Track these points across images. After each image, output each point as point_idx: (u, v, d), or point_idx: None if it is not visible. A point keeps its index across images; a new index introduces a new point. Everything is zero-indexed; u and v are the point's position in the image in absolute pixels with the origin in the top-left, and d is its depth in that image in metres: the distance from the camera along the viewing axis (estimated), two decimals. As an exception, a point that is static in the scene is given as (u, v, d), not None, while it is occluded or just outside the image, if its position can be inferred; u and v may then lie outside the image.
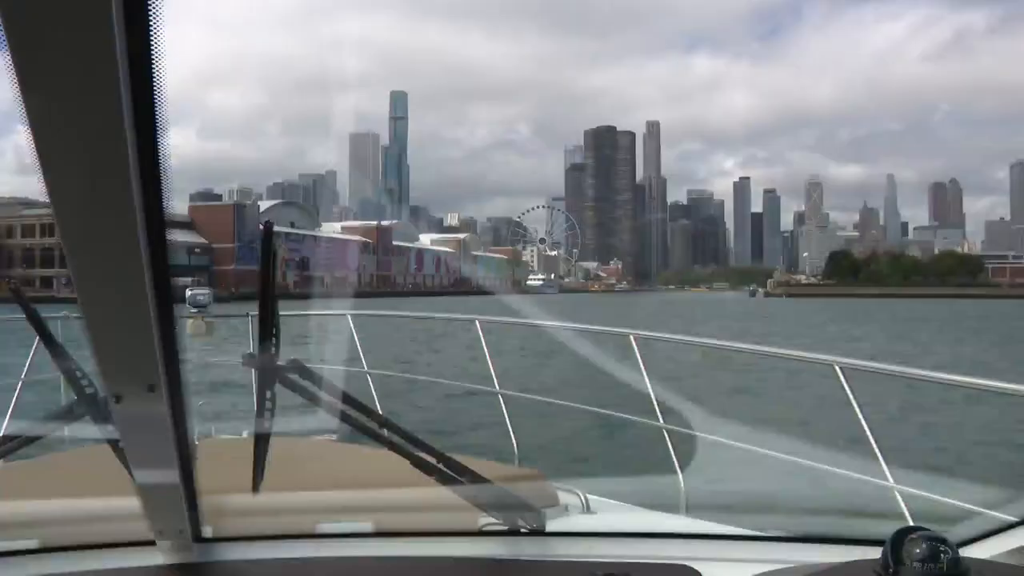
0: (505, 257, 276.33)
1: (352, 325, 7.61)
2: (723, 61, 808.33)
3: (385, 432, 2.93)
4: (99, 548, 2.76)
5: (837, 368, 4.71)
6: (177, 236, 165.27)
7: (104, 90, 1.17)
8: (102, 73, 1.15)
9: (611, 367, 6.59)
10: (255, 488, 2.73)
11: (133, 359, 1.68)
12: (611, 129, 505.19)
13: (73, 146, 1.24)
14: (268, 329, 2.49)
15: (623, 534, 3.03)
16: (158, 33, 1.16)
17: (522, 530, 2.88)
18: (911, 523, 3.78)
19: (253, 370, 2.70)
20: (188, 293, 3.97)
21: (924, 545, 2.33)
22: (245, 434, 5.11)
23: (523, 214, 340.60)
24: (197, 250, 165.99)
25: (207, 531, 2.72)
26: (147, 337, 1.60)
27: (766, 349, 6.74)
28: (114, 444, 2.34)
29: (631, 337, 5.93)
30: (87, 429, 2.63)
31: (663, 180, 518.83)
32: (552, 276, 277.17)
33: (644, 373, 5.70)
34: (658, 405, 5.58)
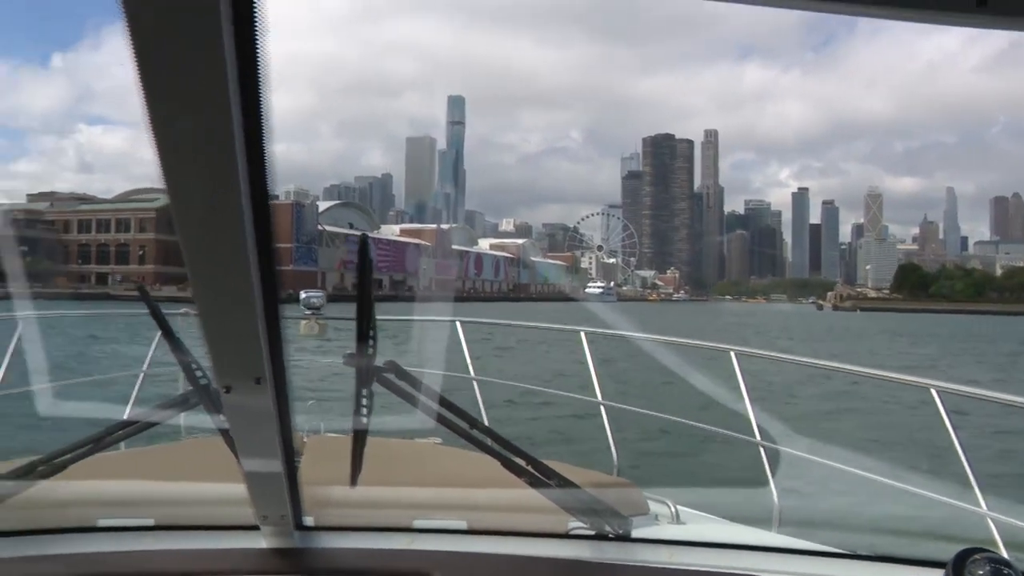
0: (564, 264, 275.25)
1: (460, 331, 7.77)
2: (775, 71, 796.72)
3: (478, 434, 3.01)
4: (208, 529, 2.94)
5: (934, 392, 4.68)
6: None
7: (218, 101, 1.23)
8: (215, 83, 1.21)
9: (706, 381, 6.69)
10: (353, 482, 2.83)
11: (241, 353, 1.78)
12: (669, 137, 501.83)
13: (190, 152, 1.31)
14: (365, 330, 2.57)
15: (706, 544, 3.09)
16: (263, 38, 1.20)
17: (608, 535, 2.99)
18: (1003, 548, 3.86)
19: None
20: (303, 295, 4.27)
21: (987, 567, 2.35)
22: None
23: (580, 221, 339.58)
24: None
25: (308, 520, 2.89)
26: (254, 332, 1.69)
27: (864, 370, 6.67)
28: (225, 433, 2.45)
29: (732, 354, 5.97)
30: (200, 418, 2.81)
31: (720, 189, 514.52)
32: (611, 284, 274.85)
33: (744, 389, 5.74)
34: (754, 421, 5.59)
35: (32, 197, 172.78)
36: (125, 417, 5.85)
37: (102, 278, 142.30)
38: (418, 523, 3.06)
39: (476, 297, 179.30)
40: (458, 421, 2.97)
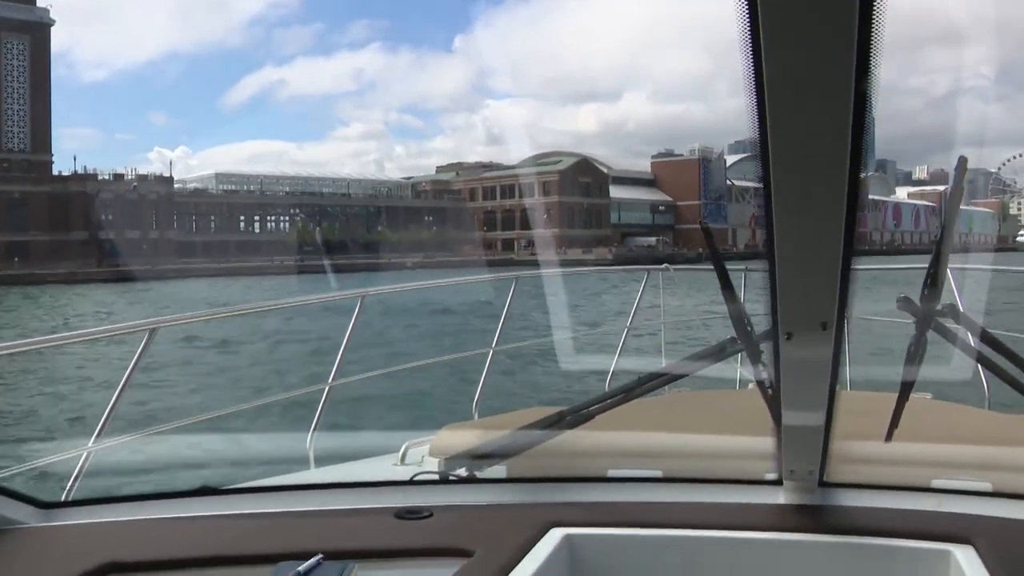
0: (991, 211, 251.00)
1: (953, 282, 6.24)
2: None
3: None
4: (717, 483, 2.92)
5: None
6: (641, 193, 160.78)
7: (838, 74, 1.25)
8: (838, 56, 1.23)
9: None
10: (888, 436, 2.95)
11: (813, 297, 1.78)
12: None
13: (801, 98, 1.32)
14: (936, 274, 2.68)
15: None
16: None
17: None
18: None
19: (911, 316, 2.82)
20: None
21: None
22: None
23: (1003, 164, 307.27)
24: (661, 208, 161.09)
25: (829, 476, 2.78)
26: (831, 276, 1.68)
27: None
28: (761, 384, 2.67)
29: None
30: (727, 372, 3.24)
31: None
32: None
33: None
34: None
35: (441, 169, 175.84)
36: (612, 368, 7.98)
37: (508, 244, 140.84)
38: (936, 483, 2.95)
39: (893, 251, 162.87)
40: (1012, 371, 3.00)
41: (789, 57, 1.24)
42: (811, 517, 2.67)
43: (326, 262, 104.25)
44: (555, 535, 2.66)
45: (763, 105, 1.31)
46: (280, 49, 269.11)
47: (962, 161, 2.85)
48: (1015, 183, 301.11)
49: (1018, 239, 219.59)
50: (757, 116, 1.33)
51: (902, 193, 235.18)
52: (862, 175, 1.36)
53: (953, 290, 6.27)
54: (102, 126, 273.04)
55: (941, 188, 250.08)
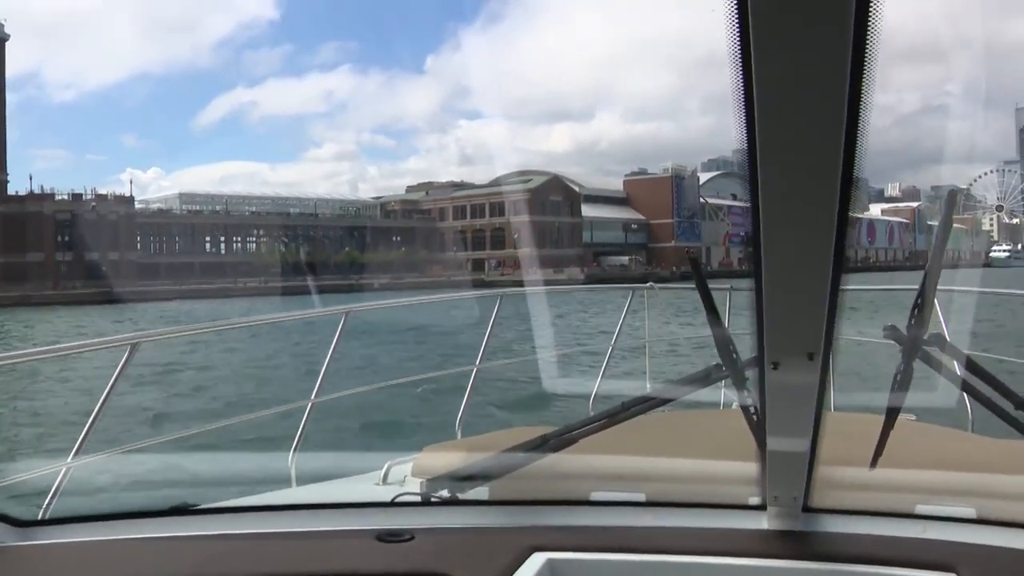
0: (964, 227, 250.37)
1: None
2: None
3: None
4: (700, 507, 2.92)
5: None
6: (614, 212, 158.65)
7: (830, 92, 1.21)
8: (831, 71, 1.18)
9: None
10: (874, 463, 2.88)
11: (800, 327, 1.76)
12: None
13: (791, 123, 1.28)
14: (923, 304, 2.66)
15: None
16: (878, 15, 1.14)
17: None
18: None
19: (896, 343, 2.77)
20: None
21: None
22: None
23: (974, 181, 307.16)
24: (634, 226, 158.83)
25: (813, 501, 2.76)
26: (819, 306, 1.66)
27: None
28: (745, 410, 2.64)
29: None
30: (711, 393, 3.08)
31: None
32: (1020, 247, 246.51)
33: None
34: None
35: (410, 188, 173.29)
36: (594, 391, 7.60)
37: (478, 264, 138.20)
38: (920, 508, 2.89)
39: (869, 268, 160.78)
40: (999, 401, 2.97)
41: (781, 70, 1.19)
42: (795, 543, 2.68)
43: (311, 282, 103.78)
44: (537, 560, 2.68)
45: (752, 121, 1.26)
46: (251, 70, 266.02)
47: (951, 195, 2.71)
48: (986, 199, 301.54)
49: (992, 255, 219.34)
50: (745, 133, 1.28)
51: (875, 210, 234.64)
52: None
53: (939, 313, 5.91)
54: (72, 147, 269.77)
55: (914, 205, 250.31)
